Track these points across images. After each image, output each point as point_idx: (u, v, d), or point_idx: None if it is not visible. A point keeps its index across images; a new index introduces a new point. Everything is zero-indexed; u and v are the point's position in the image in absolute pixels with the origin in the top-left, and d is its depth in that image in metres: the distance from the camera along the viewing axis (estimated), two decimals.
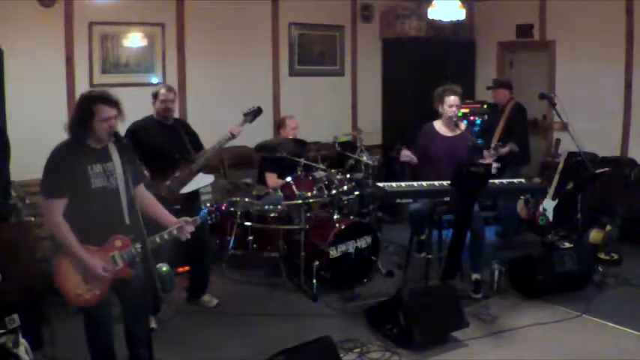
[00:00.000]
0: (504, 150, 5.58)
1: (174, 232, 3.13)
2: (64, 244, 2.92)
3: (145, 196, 3.28)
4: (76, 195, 2.93)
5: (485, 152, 5.32)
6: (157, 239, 3.08)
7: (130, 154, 3.14)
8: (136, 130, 4.24)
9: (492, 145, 5.59)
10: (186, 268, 4.72)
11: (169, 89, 4.42)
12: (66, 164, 2.93)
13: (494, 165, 4.60)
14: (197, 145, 4.53)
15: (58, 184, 2.92)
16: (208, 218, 3.42)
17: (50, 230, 2.99)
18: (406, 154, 4.75)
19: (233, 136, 4.47)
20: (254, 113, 4.63)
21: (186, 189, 4.31)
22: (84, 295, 2.95)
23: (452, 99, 4.75)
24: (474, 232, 4.59)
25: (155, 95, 4.36)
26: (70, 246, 2.90)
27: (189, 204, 4.27)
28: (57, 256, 2.98)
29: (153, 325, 4.12)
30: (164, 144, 4.28)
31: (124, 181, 2.98)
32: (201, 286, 4.57)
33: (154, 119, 4.38)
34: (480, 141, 4.74)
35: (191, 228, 3.17)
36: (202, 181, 4.41)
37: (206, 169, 4.52)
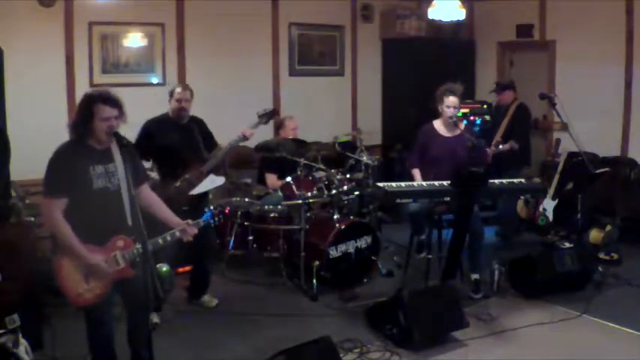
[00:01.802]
0: (505, 147, 5.60)
1: (177, 233, 3.14)
2: (62, 241, 2.93)
3: (149, 195, 3.28)
4: (78, 195, 2.94)
5: (487, 150, 5.34)
6: (160, 241, 3.09)
7: (132, 154, 3.14)
8: (149, 127, 4.23)
9: (493, 142, 5.64)
10: (187, 268, 4.72)
11: (185, 88, 4.37)
12: (68, 164, 2.94)
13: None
14: (211, 145, 4.50)
15: (59, 182, 2.93)
16: (212, 222, 3.41)
17: (49, 228, 3.01)
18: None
19: (245, 138, 4.47)
20: (269, 115, 4.62)
21: (196, 191, 4.26)
22: (84, 295, 2.95)
23: (450, 100, 4.75)
24: (473, 232, 4.59)
25: (171, 93, 4.33)
26: (68, 242, 2.91)
27: (197, 205, 4.23)
28: (58, 256, 2.98)
29: (156, 320, 4.16)
30: (176, 144, 4.24)
31: (126, 182, 2.98)
32: (202, 286, 4.57)
33: (169, 117, 4.34)
34: (481, 141, 4.76)
35: (194, 230, 3.18)
36: (212, 183, 4.36)
37: (216, 171, 4.49)
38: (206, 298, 4.57)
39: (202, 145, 4.40)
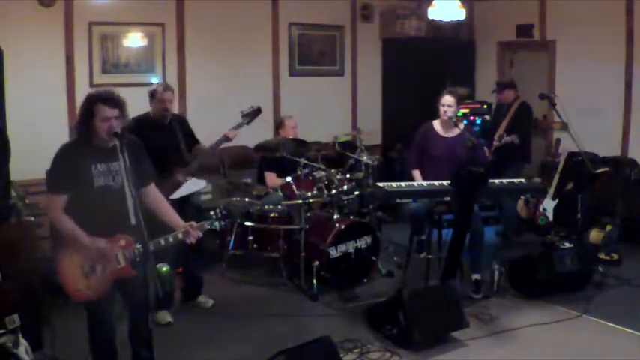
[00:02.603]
0: (507, 139, 5.58)
1: (180, 235, 3.13)
2: (66, 233, 2.95)
3: (156, 196, 3.28)
4: (80, 193, 2.95)
5: (485, 148, 5.34)
6: (162, 241, 3.08)
7: (138, 153, 3.13)
8: (131, 128, 4.11)
9: (496, 136, 5.65)
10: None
11: (166, 88, 4.31)
12: (70, 162, 2.96)
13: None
14: (192, 144, 4.47)
15: (61, 180, 2.96)
16: (218, 225, 3.37)
17: (53, 223, 3.04)
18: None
19: (228, 140, 4.43)
20: (253, 114, 4.53)
21: (178, 194, 4.21)
22: (84, 291, 2.96)
23: (445, 98, 4.77)
24: (474, 232, 4.59)
25: (152, 94, 4.27)
26: (71, 233, 2.93)
27: (180, 208, 4.08)
28: (60, 251, 2.98)
29: (168, 319, 4.15)
30: (159, 144, 4.15)
31: (129, 181, 2.98)
32: (195, 287, 4.53)
33: (151, 118, 4.29)
34: (481, 141, 4.77)
35: (198, 233, 3.16)
36: (194, 186, 4.30)
37: (200, 173, 4.46)
38: (201, 298, 4.54)
39: (184, 145, 4.36)
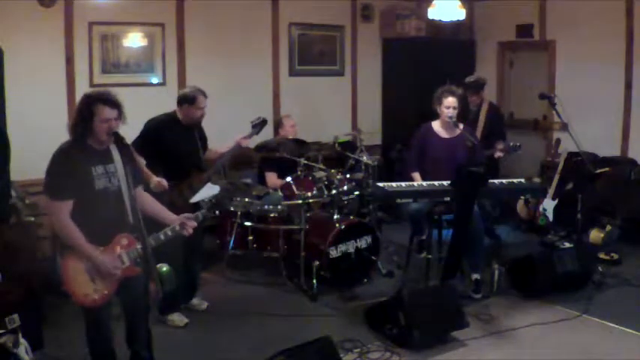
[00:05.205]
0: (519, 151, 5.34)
1: (177, 228, 3.14)
2: (72, 244, 2.91)
3: (144, 196, 3.28)
4: (80, 196, 2.93)
5: (499, 147, 5.25)
6: (161, 236, 3.09)
7: (131, 154, 3.15)
8: (159, 127, 4.15)
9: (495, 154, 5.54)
10: None
11: (205, 96, 4.28)
12: (70, 166, 2.92)
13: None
14: (204, 149, 4.49)
15: (63, 185, 2.91)
16: (209, 214, 3.41)
17: (58, 231, 2.98)
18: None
19: (240, 147, 4.47)
20: (261, 125, 4.62)
21: (195, 198, 4.20)
22: (92, 295, 2.94)
23: (449, 100, 4.74)
24: (474, 232, 4.59)
25: (191, 100, 4.19)
26: (78, 246, 2.90)
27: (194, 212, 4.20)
28: (64, 257, 2.96)
29: (186, 320, 4.18)
30: (181, 149, 4.20)
31: (126, 182, 2.98)
32: (190, 289, 4.46)
33: (177, 119, 4.25)
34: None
35: (193, 224, 3.18)
36: (210, 191, 4.31)
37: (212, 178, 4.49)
38: (195, 301, 4.50)
39: (201, 150, 4.39)
